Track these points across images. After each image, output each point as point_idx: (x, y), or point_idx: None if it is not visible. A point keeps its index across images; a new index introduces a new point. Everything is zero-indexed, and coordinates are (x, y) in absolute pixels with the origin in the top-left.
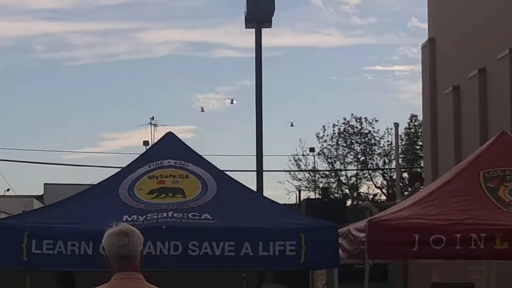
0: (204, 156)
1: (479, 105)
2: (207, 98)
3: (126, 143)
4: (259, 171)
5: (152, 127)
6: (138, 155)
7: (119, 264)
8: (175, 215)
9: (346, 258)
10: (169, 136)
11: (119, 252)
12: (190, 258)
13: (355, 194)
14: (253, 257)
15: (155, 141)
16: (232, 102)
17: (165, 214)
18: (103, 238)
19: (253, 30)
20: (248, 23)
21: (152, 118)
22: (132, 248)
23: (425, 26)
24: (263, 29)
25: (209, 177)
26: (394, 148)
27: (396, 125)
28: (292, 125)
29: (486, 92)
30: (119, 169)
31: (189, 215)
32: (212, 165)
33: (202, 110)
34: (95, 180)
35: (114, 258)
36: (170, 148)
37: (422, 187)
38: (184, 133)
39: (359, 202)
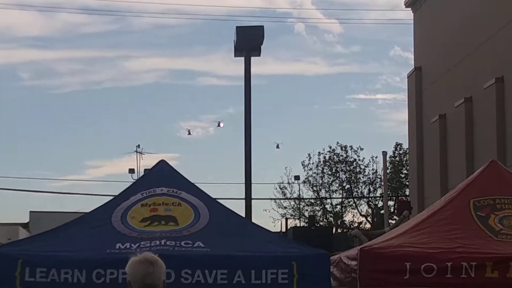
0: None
1: (465, 134)
2: (191, 125)
3: (111, 171)
4: (248, 198)
5: (138, 155)
6: (127, 183)
7: None
8: (168, 243)
9: (337, 287)
10: (162, 164)
11: (144, 280)
12: (182, 286)
13: (339, 222)
14: (245, 285)
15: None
16: (219, 125)
17: (158, 242)
18: (127, 265)
19: (238, 58)
20: (238, 52)
21: (138, 146)
22: (157, 277)
23: (407, 54)
24: (251, 58)
25: (202, 205)
26: (379, 176)
27: (384, 153)
28: (278, 146)
29: (473, 121)
30: (105, 197)
31: (182, 243)
32: (204, 192)
33: (189, 133)
34: (81, 208)
35: (138, 285)
36: (162, 176)
37: (410, 215)
38: (169, 161)
39: (345, 230)
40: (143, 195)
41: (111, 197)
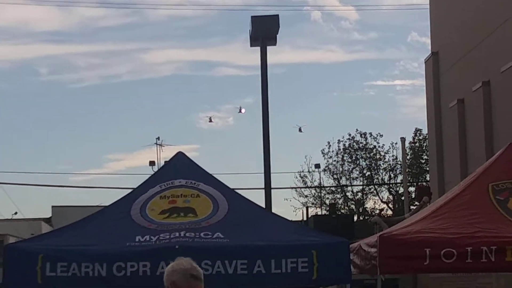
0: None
1: (484, 118)
2: (211, 116)
3: (132, 164)
4: (267, 188)
5: (158, 147)
6: (148, 176)
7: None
8: (187, 234)
9: (358, 274)
10: (179, 155)
11: (191, 272)
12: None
13: (360, 210)
14: (265, 274)
15: (161, 161)
16: (240, 111)
17: (177, 234)
18: (176, 271)
19: (256, 48)
20: (253, 42)
21: (158, 138)
22: (199, 272)
23: (425, 40)
24: (267, 47)
25: (220, 196)
26: (399, 162)
27: (403, 139)
28: (300, 130)
29: (491, 105)
30: (126, 190)
31: (201, 234)
32: (223, 183)
33: (210, 121)
34: (102, 202)
35: (188, 278)
36: (180, 167)
37: (430, 201)
38: (188, 152)
39: (366, 218)
40: (161, 187)
41: (131, 190)
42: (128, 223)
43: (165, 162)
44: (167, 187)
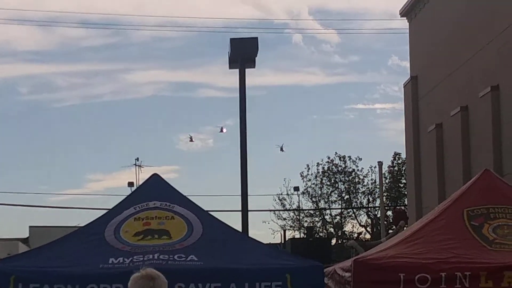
0: (188, 197)
1: (462, 143)
2: (191, 136)
3: (111, 184)
4: (244, 211)
5: (137, 168)
6: (124, 197)
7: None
8: (161, 257)
9: None
10: (155, 177)
11: (142, 275)
12: None
13: (339, 233)
14: None
15: (139, 182)
16: (221, 131)
17: (151, 256)
18: (129, 281)
19: (236, 70)
20: (232, 64)
21: (137, 159)
22: (154, 273)
23: (405, 64)
24: (246, 69)
25: (195, 218)
26: (378, 186)
27: (380, 163)
28: (281, 149)
29: (469, 130)
30: (105, 211)
31: (175, 257)
32: (197, 206)
33: (191, 140)
34: (81, 222)
35: (137, 281)
36: (155, 189)
37: (406, 225)
38: (168, 173)
39: (344, 241)
40: (136, 209)
41: (106, 211)
42: (102, 244)
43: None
44: (142, 209)
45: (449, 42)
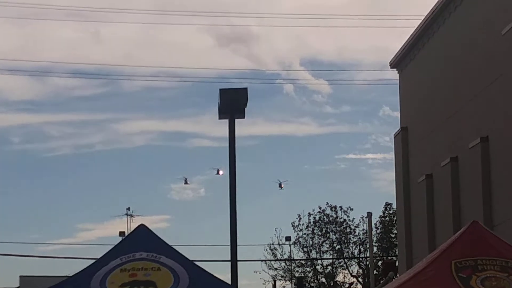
0: (178, 246)
1: (452, 194)
2: (182, 187)
3: (102, 234)
4: (234, 261)
5: (128, 218)
6: (111, 247)
7: None
8: None
9: None
10: (141, 228)
11: None
12: None
13: (331, 283)
14: None
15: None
16: (218, 173)
17: None
18: None
19: (227, 120)
20: (222, 114)
21: (128, 209)
22: None
23: (396, 114)
24: (236, 120)
25: (181, 269)
26: (368, 236)
27: (369, 214)
28: (280, 185)
29: (459, 181)
30: (93, 261)
31: None
32: (184, 257)
33: (186, 183)
34: (71, 272)
35: None
36: (142, 240)
37: (396, 276)
38: (159, 223)
39: None
40: (122, 260)
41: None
42: None
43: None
44: (128, 260)
45: (439, 93)
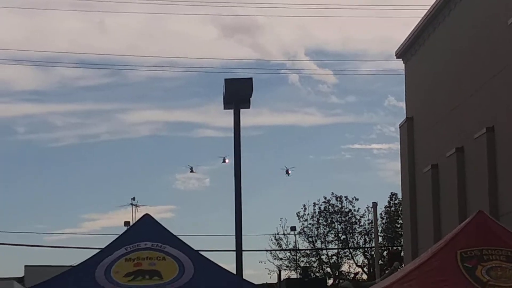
0: (184, 236)
1: (458, 184)
2: (187, 177)
3: (107, 224)
4: (239, 251)
5: (133, 208)
6: (117, 237)
7: None
8: None
9: None
10: (146, 218)
11: None
12: None
13: (336, 273)
14: None
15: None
16: (224, 161)
17: None
18: None
19: (232, 110)
20: (227, 105)
21: (133, 199)
22: None
23: (401, 104)
24: (241, 110)
25: (186, 259)
26: (374, 226)
27: (375, 204)
28: (287, 172)
29: (464, 171)
30: (98, 251)
31: None
32: (189, 246)
33: (192, 171)
34: (76, 262)
35: None
36: (147, 230)
37: (401, 266)
38: (164, 213)
39: (341, 281)
40: (127, 249)
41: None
42: (93, 285)
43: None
44: (133, 250)
45: (445, 84)
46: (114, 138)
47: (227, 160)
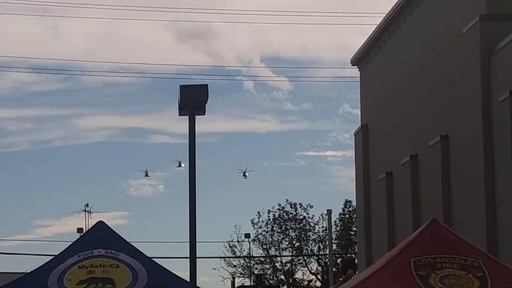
0: (137, 243)
1: (412, 192)
2: (141, 184)
3: (60, 230)
4: (193, 258)
5: (86, 214)
6: (70, 244)
7: None
8: None
9: None
10: (100, 224)
11: None
12: None
13: (290, 280)
14: None
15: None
16: (180, 165)
17: None
18: None
19: (187, 117)
20: (182, 111)
21: (87, 205)
22: None
23: (357, 111)
24: (197, 116)
25: (140, 267)
26: (328, 234)
27: (329, 211)
28: (244, 175)
29: (418, 179)
30: (52, 257)
31: None
32: (143, 254)
33: (147, 175)
34: (27, 269)
35: None
36: (100, 237)
37: (355, 274)
38: (117, 219)
39: None
40: (80, 257)
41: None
42: None
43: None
44: (86, 257)
45: (400, 91)
46: (68, 144)
47: (182, 164)
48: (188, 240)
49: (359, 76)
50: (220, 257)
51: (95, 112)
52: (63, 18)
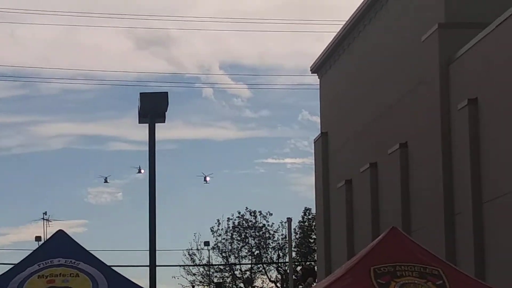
0: (96, 251)
1: (371, 199)
2: (100, 191)
3: (18, 238)
4: (152, 266)
5: (45, 222)
6: (30, 252)
7: None
8: None
9: None
10: (60, 233)
11: None
12: None
13: None
14: None
15: (47, 236)
16: (139, 172)
17: None
18: None
19: (147, 124)
20: (142, 118)
21: (45, 213)
22: None
23: (316, 119)
24: (156, 124)
25: (100, 275)
26: (288, 242)
27: (289, 219)
28: (205, 179)
29: (378, 187)
30: (9, 266)
31: None
32: (103, 263)
33: (106, 181)
34: None
35: None
36: (60, 246)
37: (315, 282)
38: (76, 227)
39: None
40: (40, 266)
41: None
42: None
43: None
44: (46, 266)
45: (359, 99)
46: (26, 151)
47: (142, 170)
48: (148, 248)
49: (318, 83)
50: (180, 265)
51: (53, 119)
52: (20, 24)
